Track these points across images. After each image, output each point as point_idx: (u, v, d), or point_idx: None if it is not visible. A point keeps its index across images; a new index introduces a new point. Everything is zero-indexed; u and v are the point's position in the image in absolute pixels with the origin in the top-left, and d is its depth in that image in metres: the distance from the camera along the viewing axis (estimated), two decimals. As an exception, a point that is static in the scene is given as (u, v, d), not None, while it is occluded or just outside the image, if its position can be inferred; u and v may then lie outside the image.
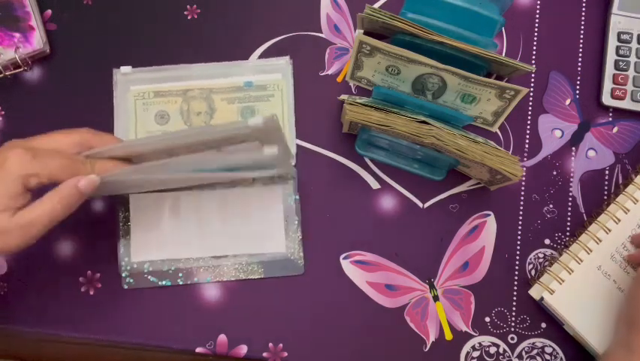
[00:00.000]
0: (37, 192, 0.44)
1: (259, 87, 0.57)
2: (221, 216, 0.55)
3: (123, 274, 0.54)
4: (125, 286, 0.54)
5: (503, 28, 0.59)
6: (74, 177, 0.43)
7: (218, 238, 0.55)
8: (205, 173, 0.50)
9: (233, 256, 0.55)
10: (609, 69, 0.58)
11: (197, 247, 0.55)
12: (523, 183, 0.57)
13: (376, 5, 0.59)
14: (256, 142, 0.45)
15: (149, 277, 0.54)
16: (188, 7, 0.59)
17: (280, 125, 0.44)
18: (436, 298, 0.55)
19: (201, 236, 0.55)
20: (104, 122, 0.57)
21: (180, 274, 0.54)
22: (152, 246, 0.55)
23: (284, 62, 0.58)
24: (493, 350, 0.54)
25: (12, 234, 0.41)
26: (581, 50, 0.60)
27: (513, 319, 0.55)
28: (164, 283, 0.54)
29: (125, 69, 0.57)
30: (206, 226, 0.55)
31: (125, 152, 0.47)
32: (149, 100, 0.57)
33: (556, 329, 0.55)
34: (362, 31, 0.57)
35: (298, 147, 0.57)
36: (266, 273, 0.55)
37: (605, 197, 0.57)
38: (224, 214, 0.55)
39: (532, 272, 0.56)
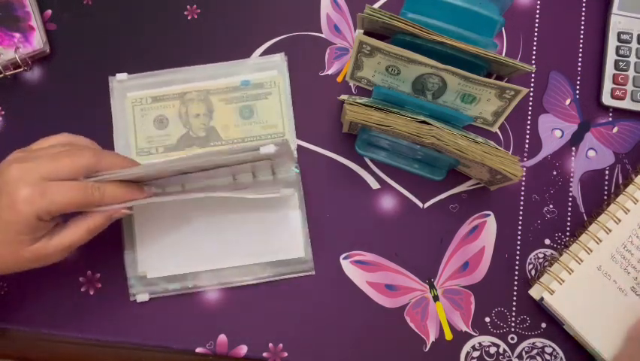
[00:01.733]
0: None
1: (256, 85, 0.57)
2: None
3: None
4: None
5: (503, 28, 0.59)
6: (89, 206, 0.45)
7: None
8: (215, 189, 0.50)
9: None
10: (609, 69, 0.58)
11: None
12: (523, 183, 0.57)
13: (376, 5, 0.59)
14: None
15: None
16: (188, 7, 0.59)
17: (291, 148, 0.45)
18: (436, 298, 0.55)
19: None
20: (104, 122, 0.57)
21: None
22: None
23: (279, 59, 0.58)
24: (493, 350, 0.54)
25: (53, 256, 0.46)
26: (581, 50, 0.60)
27: (513, 319, 0.55)
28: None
29: (121, 76, 0.57)
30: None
31: (135, 177, 0.47)
32: (146, 105, 0.56)
33: (556, 329, 0.55)
34: (362, 31, 0.57)
35: (298, 147, 0.57)
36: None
37: (605, 197, 0.57)
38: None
39: (532, 272, 0.56)
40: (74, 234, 0.45)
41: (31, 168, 0.43)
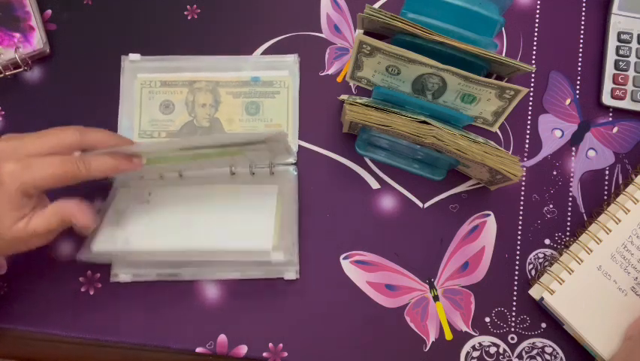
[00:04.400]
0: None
1: (266, 83, 0.57)
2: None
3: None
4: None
5: (503, 28, 0.59)
6: (74, 179, 0.44)
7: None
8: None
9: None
10: (609, 69, 0.58)
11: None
12: (523, 183, 0.57)
13: (376, 5, 0.59)
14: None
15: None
16: (188, 7, 0.59)
17: (288, 142, 0.47)
18: (436, 298, 0.55)
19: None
20: (103, 122, 0.56)
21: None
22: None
23: (292, 60, 0.58)
24: (493, 350, 0.54)
25: (32, 240, 0.45)
26: (581, 50, 0.60)
27: (513, 319, 0.55)
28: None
29: (134, 56, 0.57)
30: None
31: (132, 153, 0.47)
32: (155, 89, 0.57)
33: (556, 329, 0.55)
34: (362, 31, 0.57)
35: (298, 146, 0.57)
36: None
37: (605, 197, 0.57)
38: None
39: (532, 272, 0.56)
40: (50, 219, 0.45)
41: (16, 145, 0.44)
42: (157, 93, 0.57)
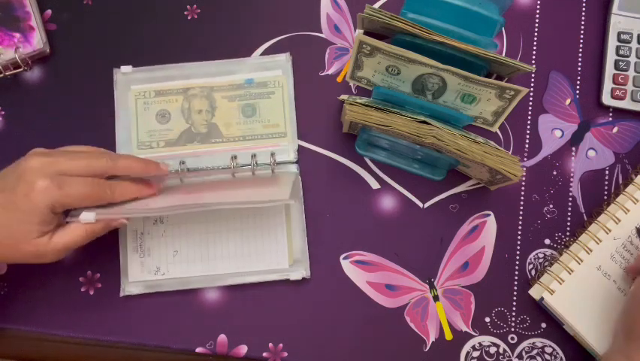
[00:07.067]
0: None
1: (260, 84, 0.57)
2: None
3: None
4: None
5: (503, 28, 0.59)
6: (100, 201, 0.47)
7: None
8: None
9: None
10: (609, 69, 0.58)
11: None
12: (523, 183, 0.57)
13: (376, 5, 0.59)
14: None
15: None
16: (188, 7, 0.59)
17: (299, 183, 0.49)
18: (436, 298, 0.55)
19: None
20: (104, 122, 0.57)
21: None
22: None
23: (284, 59, 0.58)
24: (493, 350, 0.54)
25: (50, 255, 0.46)
26: (581, 50, 0.60)
27: (513, 319, 0.55)
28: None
29: (126, 69, 0.57)
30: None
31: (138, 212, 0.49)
32: (149, 99, 0.57)
33: (556, 329, 0.55)
34: (362, 31, 0.57)
35: (298, 147, 0.57)
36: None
37: (605, 197, 0.57)
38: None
39: (532, 272, 0.56)
40: (72, 235, 0.47)
41: (50, 162, 0.45)
42: (152, 103, 0.57)
